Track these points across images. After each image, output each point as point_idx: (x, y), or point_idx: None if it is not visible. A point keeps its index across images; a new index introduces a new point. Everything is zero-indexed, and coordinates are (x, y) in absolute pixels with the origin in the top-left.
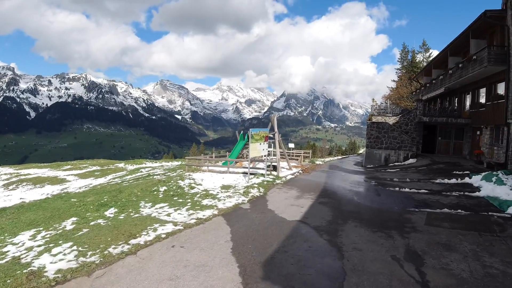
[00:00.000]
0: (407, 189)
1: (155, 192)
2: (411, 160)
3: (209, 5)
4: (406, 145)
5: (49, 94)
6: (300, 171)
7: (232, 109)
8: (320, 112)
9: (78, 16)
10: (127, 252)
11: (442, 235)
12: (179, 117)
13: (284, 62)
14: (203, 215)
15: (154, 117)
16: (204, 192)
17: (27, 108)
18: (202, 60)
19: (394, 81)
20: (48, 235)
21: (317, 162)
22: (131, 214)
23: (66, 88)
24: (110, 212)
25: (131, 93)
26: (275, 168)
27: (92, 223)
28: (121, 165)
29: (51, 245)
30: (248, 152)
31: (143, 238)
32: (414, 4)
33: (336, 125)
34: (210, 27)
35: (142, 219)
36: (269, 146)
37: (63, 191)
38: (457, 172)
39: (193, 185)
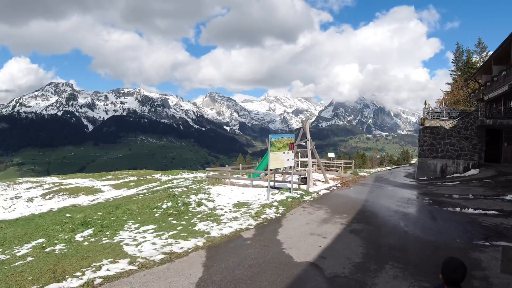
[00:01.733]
0: (471, 210)
1: (155, 210)
2: (472, 171)
3: (254, 18)
4: (466, 153)
5: (105, 108)
6: (339, 185)
7: (280, 119)
8: (370, 120)
9: (131, 35)
10: None
11: None
12: (228, 128)
13: (331, 71)
14: (182, 247)
15: (203, 129)
16: (209, 212)
17: (85, 122)
18: (249, 72)
19: (448, 84)
20: None
21: (361, 174)
22: (102, 239)
23: (121, 103)
24: (83, 234)
25: (181, 106)
26: (305, 181)
27: (48, 249)
28: (157, 175)
29: None
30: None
31: (65, 284)
32: (466, 4)
33: (387, 133)
34: (256, 40)
35: (101, 249)
36: (304, 156)
37: (92, 202)
38: None
39: (203, 201)
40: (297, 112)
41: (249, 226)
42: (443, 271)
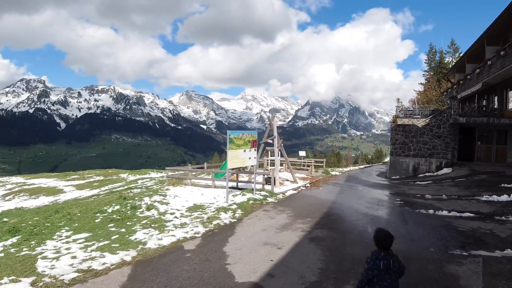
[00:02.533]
0: (445, 212)
1: (98, 214)
2: (445, 170)
3: (233, 16)
4: (439, 152)
5: (78, 105)
6: (308, 185)
7: (257, 118)
8: (345, 120)
9: (107, 30)
10: None
11: None
12: (204, 127)
13: (308, 71)
14: (105, 263)
15: (180, 127)
16: (157, 217)
17: (57, 119)
18: (227, 70)
19: (421, 84)
20: None
21: (333, 173)
22: (23, 249)
23: (95, 100)
24: (5, 243)
25: (157, 104)
26: (269, 181)
27: None
28: (124, 175)
29: None
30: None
31: None
32: (439, 8)
33: (362, 133)
34: (234, 38)
35: (12, 263)
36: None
37: (51, 203)
38: (507, 185)
39: (156, 204)
40: (274, 111)
41: (196, 235)
42: (376, 240)
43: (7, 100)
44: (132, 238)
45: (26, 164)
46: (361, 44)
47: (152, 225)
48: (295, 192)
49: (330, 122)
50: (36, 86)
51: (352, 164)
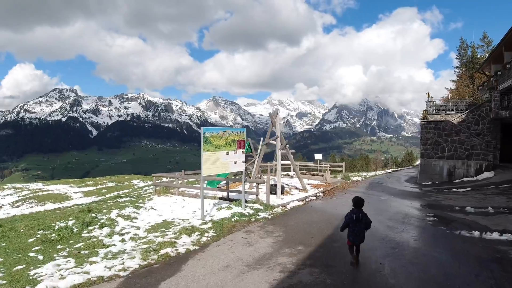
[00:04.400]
0: (495, 235)
1: (40, 231)
2: (486, 174)
3: (257, 21)
4: (479, 152)
5: (109, 113)
6: (320, 194)
7: (283, 122)
8: (374, 122)
9: (135, 40)
10: None
11: None
12: None
13: (334, 73)
14: None
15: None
16: (100, 239)
17: (89, 127)
18: (252, 75)
19: (453, 81)
20: None
21: (354, 179)
22: None
23: (125, 108)
24: None
25: (185, 111)
26: (274, 190)
27: None
28: (136, 181)
29: None
30: (251, 167)
31: None
32: (468, 4)
33: (391, 135)
34: (260, 43)
35: None
36: (285, 158)
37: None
38: None
39: (118, 219)
40: (300, 115)
41: (121, 272)
42: (353, 203)
43: (41, 109)
44: (32, 272)
45: (59, 171)
46: (389, 45)
47: (82, 252)
48: (301, 203)
49: (358, 125)
50: (68, 95)
51: (381, 167)
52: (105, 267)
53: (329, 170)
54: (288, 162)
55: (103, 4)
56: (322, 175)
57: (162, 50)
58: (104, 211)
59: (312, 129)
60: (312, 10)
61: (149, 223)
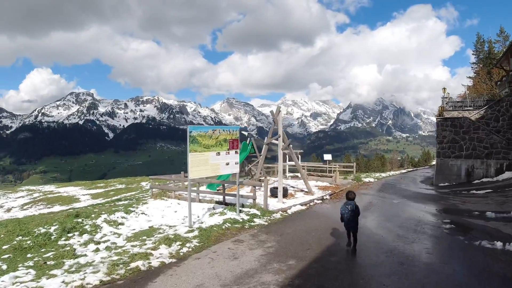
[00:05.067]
0: None
1: (19, 237)
2: (508, 174)
3: (270, 22)
4: (499, 151)
5: (125, 116)
6: (327, 196)
7: (298, 123)
8: (389, 122)
9: (149, 43)
10: None
11: None
12: (246, 133)
13: (348, 73)
14: None
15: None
16: (74, 248)
17: (105, 130)
18: (266, 76)
19: (470, 78)
20: None
21: (366, 180)
22: None
23: (141, 110)
24: None
25: (199, 112)
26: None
27: None
28: (144, 183)
29: None
30: (255, 169)
31: None
32: (484, 0)
33: (408, 135)
34: (273, 44)
35: None
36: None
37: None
38: None
39: (102, 225)
40: (315, 116)
41: None
42: (347, 197)
43: (58, 113)
44: None
45: (76, 173)
46: (403, 43)
47: (48, 262)
48: (304, 208)
49: (373, 125)
50: (85, 99)
51: (397, 167)
52: (63, 282)
53: (339, 171)
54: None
55: (117, 9)
56: (331, 177)
57: (176, 53)
58: (93, 215)
59: (326, 129)
60: (325, 9)
61: (133, 230)
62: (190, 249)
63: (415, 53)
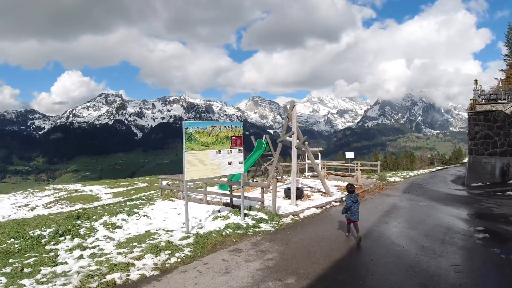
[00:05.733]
0: None
1: (11, 239)
2: None
3: (295, 19)
4: None
5: (153, 116)
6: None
7: (324, 120)
8: (419, 118)
9: (175, 44)
10: None
11: None
12: (271, 131)
13: (376, 68)
14: None
15: (247, 132)
16: (58, 254)
17: (134, 130)
18: (291, 74)
19: (502, 70)
20: None
21: (392, 179)
22: None
23: (168, 110)
24: None
25: (225, 111)
26: (289, 194)
27: None
28: (165, 182)
29: None
30: (274, 167)
31: None
32: None
33: (438, 131)
34: (298, 41)
35: None
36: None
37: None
38: None
39: (99, 228)
40: (341, 113)
41: None
42: (348, 190)
43: (89, 114)
44: None
45: (107, 171)
46: (432, 37)
47: (25, 270)
48: (318, 211)
49: (402, 121)
50: (114, 99)
51: (427, 165)
52: None
53: (361, 169)
54: (317, 161)
55: (143, 11)
56: (353, 176)
57: (202, 52)
58: (94, 217)
59: (353, 127)
60: (350, 4)
61: (128, 234)
62: (179, 260)
63: (445, 46)
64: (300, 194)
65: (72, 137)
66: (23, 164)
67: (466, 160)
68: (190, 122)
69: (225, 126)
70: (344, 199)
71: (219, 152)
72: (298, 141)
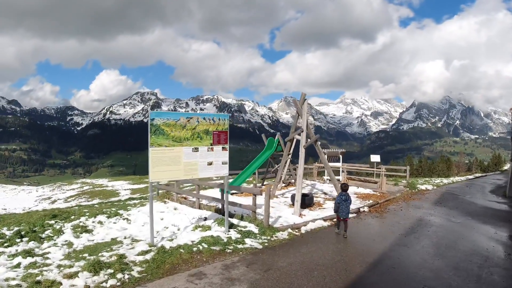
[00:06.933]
0: None
1: None
2: None
3: (329, 19)
4: None
5: None
6: (365, 208)
7: (357, 122)
8: (457, 122)
9: (210, 44)
10: None
11: None
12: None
13: (412, 69)
14: None
15: (278, 132)
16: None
17: None
18: (325, 74)
19: None
20: None
21: (422, 187)
22: None
23: (201, 109)
24: None
25: (257, 111)
26: (303, 201)
27: None
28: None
29: None
30: (283, 171)
31: None
32: None
33: (476, 136)
34: (332, 41)
35: None
36: (334, 159)
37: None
38: None
39: (66, 231)
40: (376, 115)
41: None
42: (341, 187)
43: (125, 111)
44: None
45: (140, 167)
46: (472, 37)
47: None
48: (325, 224)
49: (439, 125)
50: (149, 98)
51: (464, 172)
52: None
53: (388, 175)
54: (338, 164)
55: (179, 13)
56: (376, 182)
57: (235, 53)
58: (72, 217)
59: (388, 129)
60: (387, 3)
61: (92, 240)
62: (118, 284)
63: (485, 47)
64: (309, 202)
65: (108, 133)
66: (61, 158)
67: (506, 167)
68: (157, 112)
69: (204, 118)
70: (363, 210)
71: (196, 149)
72: (308, 139)
